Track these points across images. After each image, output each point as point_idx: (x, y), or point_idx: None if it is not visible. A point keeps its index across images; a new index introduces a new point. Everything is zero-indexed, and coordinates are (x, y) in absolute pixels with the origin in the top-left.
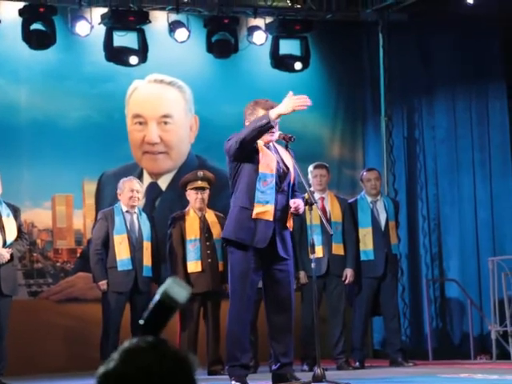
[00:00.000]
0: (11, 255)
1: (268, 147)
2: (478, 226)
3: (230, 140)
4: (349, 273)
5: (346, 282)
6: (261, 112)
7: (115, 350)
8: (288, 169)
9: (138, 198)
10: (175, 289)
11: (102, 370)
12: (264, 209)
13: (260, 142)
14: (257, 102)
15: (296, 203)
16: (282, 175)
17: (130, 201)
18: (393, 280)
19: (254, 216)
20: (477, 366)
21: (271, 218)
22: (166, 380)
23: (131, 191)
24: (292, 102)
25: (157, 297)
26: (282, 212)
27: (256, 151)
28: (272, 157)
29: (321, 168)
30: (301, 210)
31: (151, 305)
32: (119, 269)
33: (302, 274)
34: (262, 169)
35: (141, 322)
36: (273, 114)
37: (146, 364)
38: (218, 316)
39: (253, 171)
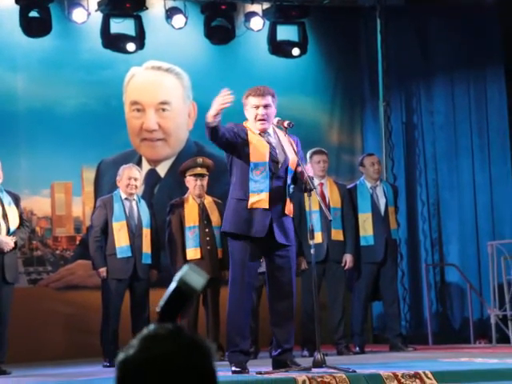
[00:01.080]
0: (15, 243)
1: (265, 134)
2: (477, 211)
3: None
4: (348, 258)
5: (346, 267)
6: (251, 99)
7: (115, 336)
8: (286, 155)
9: (136, 186)
10: (192, 276)
11: (121, 356)
12: (258, 197)
13: (253, 131)
14: (249, 90)
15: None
16: (277, 162)
17: (127, 188)
18: (392, 265)
19: (249, 206)
20: (476, 350)
21: (267, 206)
22: (186, 367)
23: (128, 179)
24: (215, 102)
25: (173, 284)
26: (279, 199)
27: (246, 143)
28: (263, 144)
29: (321, 154)
30: (309, 172)
31: (168, 292)
32: (118, 256)
33: (301, 259)
34: (253, 158)
35: (157, 309)
36: (207, 116)
37: (165, 351)
38: (218, 303)
39: (245, 162)
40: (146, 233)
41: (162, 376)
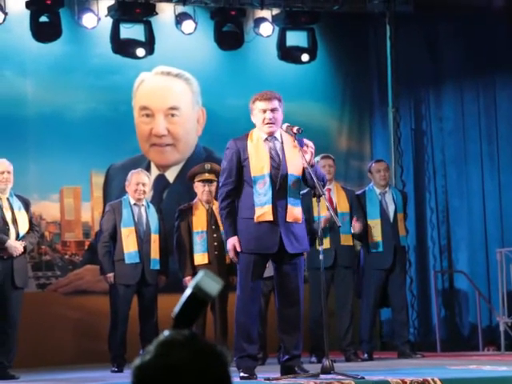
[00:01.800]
0: (24, 248)
1: (271, 138)
2: (486, 218)
3: (220, 191)
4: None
5: (357, 229)
6: (258, 104)
7: (123, 342)
8: (287, 161)
9: (144, 192)
10: (207, 282)
11: (137, 362)
12: (263, 210)
13: (253, 141)
14: (256, 95)
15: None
16: (278, 168)
17: (135, 194)
18: (401, 272)
19: (256, 220)
20: (485, 357)
21: (271, 218)
22: (202, 373)
23: (136, 184)
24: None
25: (189, 290)
26: (282, 208)
27: (246, 157)
28: (263, 155)
29: (328, 158)
30: (311, 149)
31: (183, 298)
32: (127, 262)
33: None
34: (253, 172)
35: (173, 315)
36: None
37: (182, 357)
38: (226, 308)
39: (247, 177)
40: (155, 238)
41: (178, 382)
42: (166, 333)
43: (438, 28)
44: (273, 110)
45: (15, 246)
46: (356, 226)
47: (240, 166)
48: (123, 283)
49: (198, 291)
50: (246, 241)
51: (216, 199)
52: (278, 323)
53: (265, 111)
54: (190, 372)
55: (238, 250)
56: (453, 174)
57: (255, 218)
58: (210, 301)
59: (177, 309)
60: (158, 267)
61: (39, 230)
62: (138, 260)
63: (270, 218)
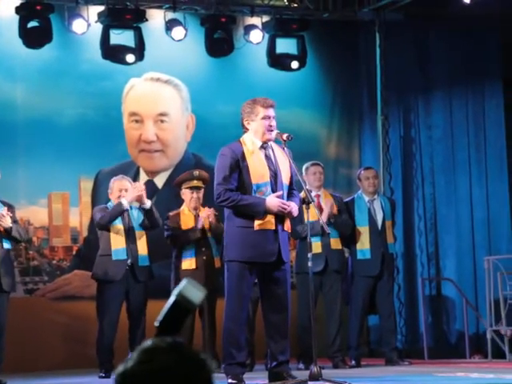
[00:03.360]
0: (10, 228)
1: (266, 146)
2: (474, 226)
3: (219, 190)
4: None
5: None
6: (260, 110)
7: (111, 346)
8: (280, 169)
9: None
10: (190, 290)
11: (120, 369)
12: (265, 219)
13: (249, 148)
14: (255, 100)
15: (289, 208)
16: (274, 178)
17: (118, 200)
18: (389, 279)
19: (255, 228)
20: (472, 365)
21: (273, 227)
22: (185, 380)
23: (119, 191)
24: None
25: (172, 298)
26: (281, 217)
27: (244, 164)
28: (262, 162)
29: (317, 165)
30: (294, 214)
31: (166, 306)
32: (114, 258)
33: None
34: (254, 180)
35: (156, 323)
36: (269, 207)
37: (164, 365)
38: (214, 314)
39: (247, 184)
40: (140, 235)
41: None
42: (150, 340)
43: (427, 36)
44: (274, 118)
45: (3, 214)
46: (329, 207)
47: (238, 169)
48: (109, 279)
49: (182, 299)
50: (243, 249)
51: (203, 206)
52: (266, 329)
53: (269, 118)
54: (173, 379)
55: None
56: (441, 181)
57: (255, 225)
58: (193, 309)
59: (160, 317)
60: (147, 263)
61: (26, 234)
62: (125, 256)
63: (272, 226)
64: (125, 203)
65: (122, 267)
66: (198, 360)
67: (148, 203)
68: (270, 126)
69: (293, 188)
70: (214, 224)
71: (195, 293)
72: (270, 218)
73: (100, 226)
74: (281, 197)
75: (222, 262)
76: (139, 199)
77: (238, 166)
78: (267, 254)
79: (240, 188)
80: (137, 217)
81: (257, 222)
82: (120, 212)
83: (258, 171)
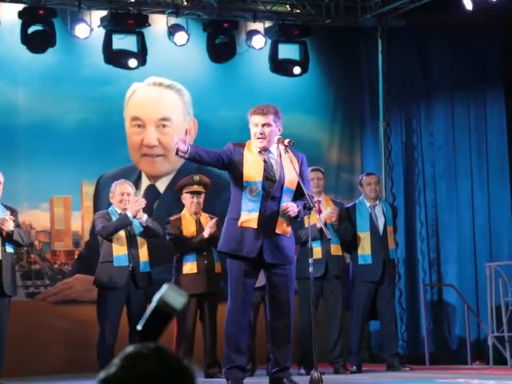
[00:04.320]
0: (12, 232)
1: (266, 152)
2: (475, 232)
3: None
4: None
5: (334, 218)
6: (253, 117)
7: (111, 350)
8: (283, 174)
9: (129, 201)
10: (172, 296)
11: (102, 374)
12: (249, 217)
13: (251, 150)
14: (253, 108)
15: (285, 206)
16: (272, 180)
17: (120, 204)
18: (390, 284)
19: (239, 225)
20: (473, 371)
21: (255, 226)
22: None
23: (121, 195)
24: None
25: (153, 304)
26: (271, 219)
27: (241, 162)
28: (258, 163)
29: (317, 171)
30: (291, 213)
31: (148, 311)
32: (115, 264)
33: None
34: (246, 178)
35: (138, 327)
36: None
37: (147, 371)
38: (215, 318)
39: (239, 181)
40: (142, 242)
41: None
42: (132, 346)
43: (429, 43)
44: (264, 125)
45: (6, 218)
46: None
47: (230, 161)
48: (112, 286)
49: (163, 305)
50: (228, 241)
51: (205, 211)
52: (269, 334)
53: (257, 125)
54: None
55: (181, 146)
56: (443, 187)
57: (239, 222)
58: (175, 315)
59: (142, 322)
60: (148, 269)
61: (30, 236)
62: (126, 263)
63: (254, 225)
64: (130, 216)
65: (124, 273)
66: (181, 366)
67: (144, 218)
68: (258, 133)
69: (303, 193)
70: (213, 232)
71: (177, 298)
72: (254, 217)
73: (101, 236)
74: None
75: (223, 267)
76: (136, 214)
77: (232, 157)
78: (246, 249)
79: (233, 183)
80: (139, 223)
81: (241, 219)
82: (125, 225)
83: (250, 170)
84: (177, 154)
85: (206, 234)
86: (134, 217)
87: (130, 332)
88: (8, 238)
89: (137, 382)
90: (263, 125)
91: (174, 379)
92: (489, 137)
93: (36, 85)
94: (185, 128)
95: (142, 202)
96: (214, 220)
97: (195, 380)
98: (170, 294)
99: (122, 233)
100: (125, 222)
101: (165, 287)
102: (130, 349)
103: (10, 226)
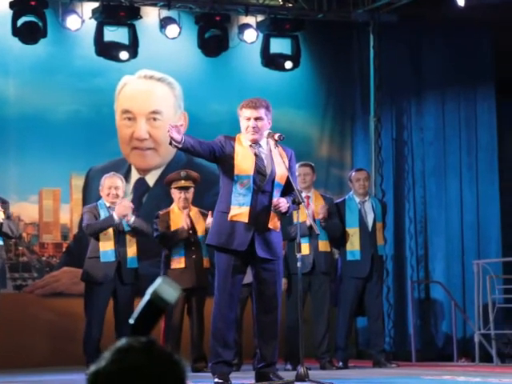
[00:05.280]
0: (1, 225)
1: (256, 146)
2: (463, 229)
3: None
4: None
5: (321, 216)
6: (243, 111)
7: (97, 344)
8: (274, 168)
9: (117, 195)
10: (165, 289)
11: (93, 368)
12: (239, 211)
13: (242, 143)
14: (243, 102)
15: (277, 201)
16: (263, 174)
17: (108, 197)
18: (378, 281)
19: (229, 218)
20: (459, 368)
21: (246, 220)
22: (158, 380)
23: (109, 188)
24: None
25: (146, 297)
26: (263, 213)
27: (232, 155)
28: (249, 157)
29: (304, 166)
30: (282, 209)
31: (141, 305)
32: (102, 260)
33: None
34: (237, 171)
35: (131, 321)
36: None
37: (137, 364)
38: (202, 313)
39: (230, 174)
40: (130, 238)
41: None
42: (123, 340)
43: (421, 39)
44: (257, 119)
45: None
46: (321, 212)
47: (221, 153)
48: (97, 281)
49: (156, 298)
50: (218, 234)
51: (194, 205)
52: (255, 329)
53: (249, 119)
54: (146, 378)
55: (175, 135)
56: (432, 184)
57: (229, 216)
58: (167, 308)
59: (134, 315)
60: (135, 265)
61: (18, 229)
62: (113, 259)
63: (245, 219)
64: (116, 218)
65: (111, 269)
66: (171, 360)
67: (132, 220)
68: (248, 126)
69: (292, 188)
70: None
71: (170, 292)
72: (245, 211)
73: (85, 233)
74: None
75: (211, 262)
76: (124, 216)
77: (223, 149)
78: (236, 242)
79: (223, 176)
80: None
81: (231, 213)
82: (110, 226)
83: (242, 164)
84: (170, 143)
85: (185, 225)
86: (122, 218)
87: (116, 326)
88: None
89: (127, 375)
90: (256, 118)
91: (165, 373)
92: (479, 134)
93: (27, 76)
94: (176, 121)
95: (129, 208)
96: (186, 211)
97: (185, 374)
98: (163, 287)
99: (111, 231)
100: (109, 224)
101: (158, 280)
102: (120, 342)
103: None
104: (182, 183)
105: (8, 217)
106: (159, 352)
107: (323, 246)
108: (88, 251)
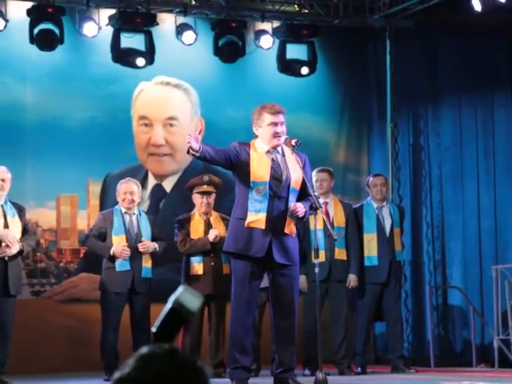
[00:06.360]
0: (21, 250)
1: (273, 151)
2: (481, 234)
3: None
4: (352, 279)
5: (349, 287)
6: (266, 116)
7: (114, 347)
8: (289, 173)
9: (133, 200)
10: (187, 297)
11: (117, 375)
12: (256, 217)
13: (257, 150)
14: (263, 107)
15: (294, 206)
16: (279, 180)
17: (124, 203)
18: (396, 286)
19: (246, 225)
20: (478, 373)
21: (263, 226)
22: None
23: (124, 193)
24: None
25: (168, 305)
26: (279, 219)
27: (247, 162)
28: (265, 163)
29: (322, 172)
30: (299, 214)
31: (163, 313)
32: (117, 269)
33: (303, 278)
34: (253, 177)
35: (153, 329)
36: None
37: (161, 371)
38: (222, 318)
39: (245, 181)
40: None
41: None
42: (147, 347)
43: (437, 44)
44: (282, 124)
45: (6, 234)
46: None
47: (237, 160)
48: (114, 291)
49: (179, 307)
50: (235, 241)
51: (215, 210)
52: (273, 335)
53: (276, 124)
54: None
55: (194, 144)
56: (449, 189)
57: (246, 223)
58: (190, 316)
59: (157, 324)
60: (150, 275)
61: (36, 235)
62: (128, 267)
63: (262, 226)
64: (111, 255)
65: (127, 279)
66: (195, 367)
67: (157, 248)
68: (277, 132)
69: (309, 194)
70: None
71: (192, 300)
72: (262, 217)
73: (85, 242)
74: None
75: (231, 268)
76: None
77: (238, 156)
78: (254, 249)
79: (238, 183)
80: (145, 227)
81: (248, 220)
82: (102, 257)
83: (257, 170)
84: (188, 152)
85: (210, 237)
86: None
87: (134, 332)
88: (20, 255)
89: (152, 382)
90: (281, 123)
91: (189, 379)
92: (496, 139)
93: (44, 83)
94: (192, 127)
95: (127, 254)
96: (215, 232)
97: (209, 381)
98: (185, 295)
99: (123, 236)
100: (102, 255)
101: (180, 289)
102: (144, 349)
103: (15, 249)
104: (205, 188)
105: (25, 224)
106: (182, 359)
107: (339, 253)
108: (103, 262)
